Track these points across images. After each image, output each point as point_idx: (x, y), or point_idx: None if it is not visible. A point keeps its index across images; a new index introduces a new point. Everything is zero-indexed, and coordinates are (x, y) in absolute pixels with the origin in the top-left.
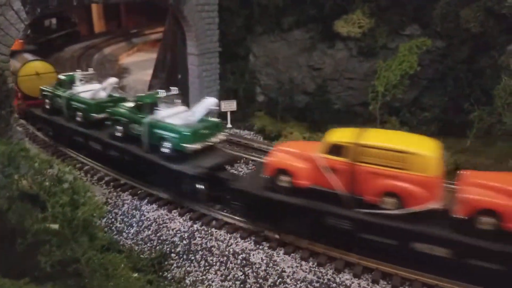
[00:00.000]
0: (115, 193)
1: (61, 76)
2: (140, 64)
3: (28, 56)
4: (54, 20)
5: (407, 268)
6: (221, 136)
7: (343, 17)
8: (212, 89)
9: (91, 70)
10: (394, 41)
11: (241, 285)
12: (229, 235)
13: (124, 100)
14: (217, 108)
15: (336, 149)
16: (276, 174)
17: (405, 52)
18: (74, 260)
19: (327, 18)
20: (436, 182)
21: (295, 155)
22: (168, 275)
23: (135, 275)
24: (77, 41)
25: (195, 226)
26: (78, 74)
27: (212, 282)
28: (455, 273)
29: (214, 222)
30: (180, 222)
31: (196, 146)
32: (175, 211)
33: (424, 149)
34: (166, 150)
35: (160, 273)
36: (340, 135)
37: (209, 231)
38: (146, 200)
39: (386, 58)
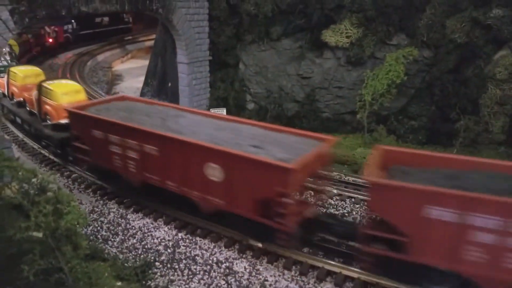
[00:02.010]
0: (101, 202)
1: None
2: (133, 71)
3: None
4: (106, 18)
5: (389, 278)
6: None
7: (331, 27)
8: (202, 97)
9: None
10: (381, 50)
11: None
12: (213, 244)
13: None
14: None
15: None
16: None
17: (391, 62)
18: (58, 269)
19: (315, 28)
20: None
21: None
22: (152, 284)
23: (119, 283)
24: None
25: (179, 234)
26: None
27: None
28: None
29: (199, 231)
30: (165, 231)
31: None
32: (160, 219)
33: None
34: None
35: (144, 282)
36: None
37: (194, 240)
38: (132, 208)
39: (373, 67)
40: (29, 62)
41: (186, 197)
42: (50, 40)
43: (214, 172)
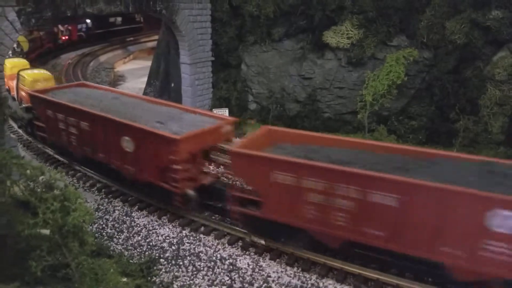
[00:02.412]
0: (106, 200)
1: None
2: (135, 71)
3: None
4: (119, 18)
5: (389, 273)
6: None
7: (332, 28)
8: (204, 97)
9: None
10: (382, 51)
11: None
12: (216, 241)
13: None
14: None
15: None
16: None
17: (392, 63)
18: (65, 265)
19: (317, 29)
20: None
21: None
22: (157, 280)
23: (124, 279)
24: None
25: (184, 232)
26: None
27: (199, 287)
28: None
29: (202, 228)
30: (169, 228)
31: None
32: (164, 217)
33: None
34: None
35: (149, 278)
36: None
37: (198, 237)
38: (137, 206)
39: (374, 68)
40: (39, 58)
41: (113, 167)
42: (63, 38)
43: (127, 144)
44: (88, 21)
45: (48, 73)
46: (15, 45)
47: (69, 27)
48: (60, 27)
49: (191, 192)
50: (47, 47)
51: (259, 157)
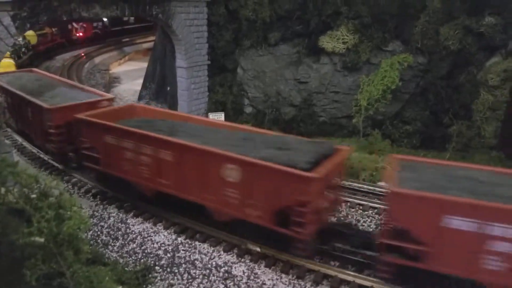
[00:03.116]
0: (101, 206)
1: None
2: (131, 73)
3: None
4: (132, 18)
5: (380, 280)
6: None
7: (328, 33)
8: (200, 101)
9: None
10: (377, 56)
11: None
12: (212, 248)
13: None
14: None
15: None
16: None
17: (386, 68)
18: (59, 273)
19: (313, 34)
20: None
21: None
22: None
23: (120, 287)
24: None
25: (179, 239)
26: None
27: None
28: None
29: (198, 236)
30: (164, 235)
31: None
32: (160, 224)
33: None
34: None
35: (144, 286)
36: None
37: (193, 244)
38: (132, 213)
39: (369, 73)
40: (47, 52)
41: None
42: (78, 34)
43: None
44: (105, 19)
45: (11, 60)
46: (20, 39)
47: (84, 25)
48: (75, 24)
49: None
50: (58, 43)
51: (100, 124)
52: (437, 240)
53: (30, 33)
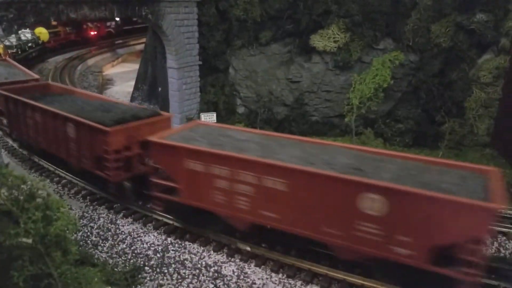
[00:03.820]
0: (91, 207)
1: None
2: (124, 75)
3: None
4: None
5: (373, 279)
6: None
7: (319, 32)
8: (192, 101)
9: None
10: (368, 55)
11: None
12: (202, 248)
13: None
14: None
15: None
16: None
17: (378, 66)
18: (47, 274)
19: (304, 33)
20: None
21: None
22: None
23: None
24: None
25: (169, 239)
26: None
27: None
28: None
29: (188, 236)
30: (154, 236)
31: None
32: (149, 224)
33: None
34: None
35: (133, 287)
36: None
37: (183, 244)
38: (122, 214)
39: (361, 71)
40: (59, 48)
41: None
42: (92, 33)
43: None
44: (117, 19)
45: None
46: (28, 35)
47: (98, 24)
48: (90, 24)
49: None
50: (70, 40)
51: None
52: (183, 179)
53: (42, 30)
